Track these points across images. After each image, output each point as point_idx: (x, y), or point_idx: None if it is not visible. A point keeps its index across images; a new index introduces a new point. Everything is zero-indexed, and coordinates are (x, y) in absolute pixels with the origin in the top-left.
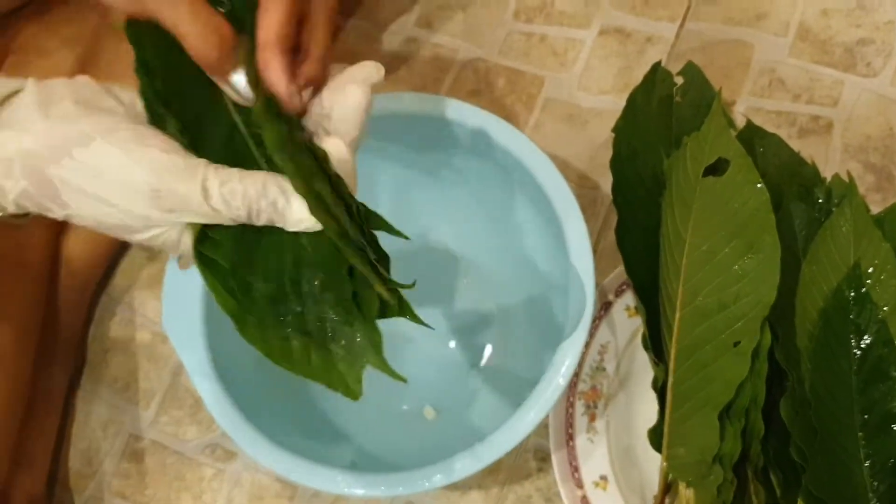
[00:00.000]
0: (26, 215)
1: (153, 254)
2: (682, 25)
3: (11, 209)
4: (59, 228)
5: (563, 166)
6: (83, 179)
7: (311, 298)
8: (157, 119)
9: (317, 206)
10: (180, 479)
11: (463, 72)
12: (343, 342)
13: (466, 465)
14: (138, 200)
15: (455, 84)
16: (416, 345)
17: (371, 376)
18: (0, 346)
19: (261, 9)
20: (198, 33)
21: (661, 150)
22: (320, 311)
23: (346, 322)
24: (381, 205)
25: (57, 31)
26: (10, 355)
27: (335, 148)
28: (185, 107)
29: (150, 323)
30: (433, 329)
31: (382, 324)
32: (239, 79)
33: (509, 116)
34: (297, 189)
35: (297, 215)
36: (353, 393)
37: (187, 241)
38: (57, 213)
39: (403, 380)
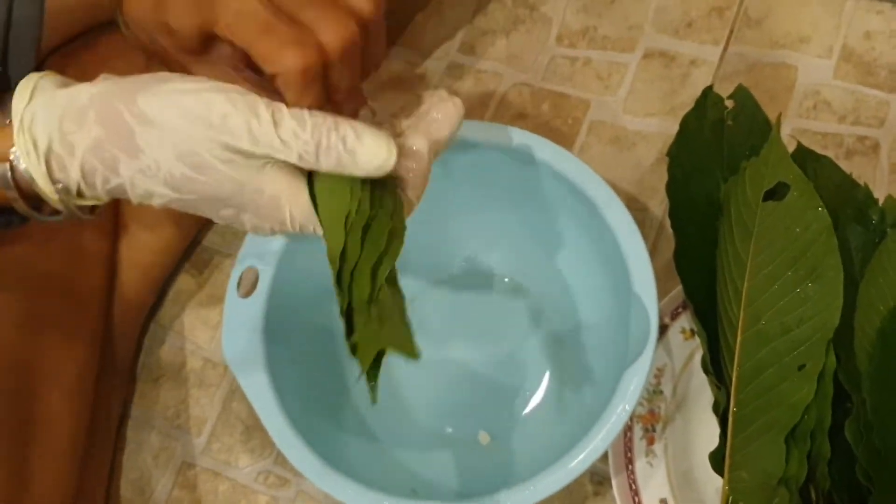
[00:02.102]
0: (92, 210)
1: (202, 280)
2: (725, 48)
3: (75, 177)
4: (113, 257)
5: (612, 189)
6: (159, 110)
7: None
8: None
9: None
10: None
11: (507, 96)
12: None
13: (532, 491)
14: (211, 133)
15: (500, 109)
16: (469, 370)
17: (428, 404)
18: (67, 383)
19: None
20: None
21: (717, 173)
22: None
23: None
24: (429, 231)
25: (108, 63)
26: (76, 392)
27: (420, 144)
28: None
29: (200, 350)
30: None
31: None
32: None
33: (556, 140)
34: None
35: (369, 154)
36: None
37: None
38: (127, 172)
39: (416, 356)
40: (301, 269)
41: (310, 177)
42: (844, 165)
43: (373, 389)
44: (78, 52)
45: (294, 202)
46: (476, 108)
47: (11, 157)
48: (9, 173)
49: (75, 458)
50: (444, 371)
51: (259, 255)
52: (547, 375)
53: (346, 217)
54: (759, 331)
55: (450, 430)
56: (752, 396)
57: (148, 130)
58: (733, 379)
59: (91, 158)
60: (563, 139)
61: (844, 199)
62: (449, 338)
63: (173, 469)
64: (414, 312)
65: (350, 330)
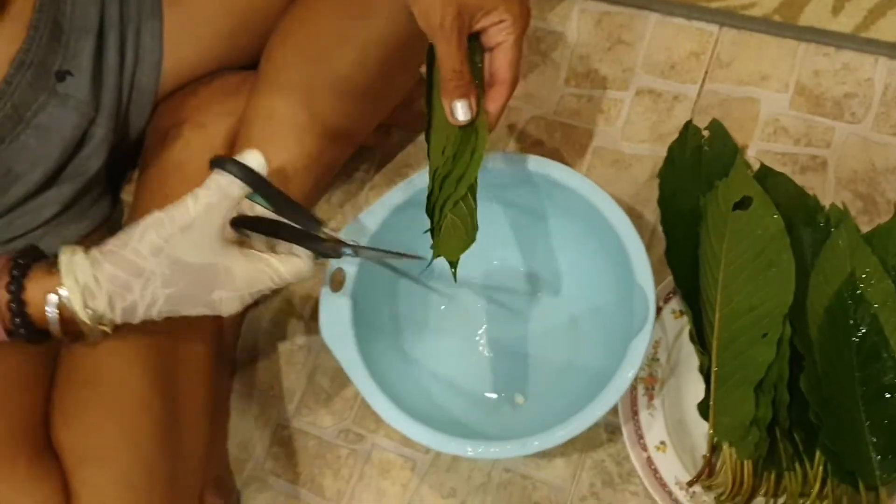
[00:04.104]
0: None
1: None
2: (702, 86)
3: (102, 302)
4: None
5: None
6: (143, 245)
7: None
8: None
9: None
10: (321, 458)
11: (526, 128)
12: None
13: (563, 433)
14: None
15: (520, 137)
16: (505, 346)
17: (474, 374)
18: (197, 362)
19: (495, 91)
20: (453, 64)
21: (697, 189)
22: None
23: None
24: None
25: (211, 108)
26: (204, 369)
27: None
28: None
29: (288, 335)
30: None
31: (480, 332)
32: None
33: (566, 163)
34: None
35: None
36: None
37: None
38: (137, 287)
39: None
40: (374, 271)
41: (428, 125)
42: (799, 179)
43: (453, 266)
44: (186, 97)
45: (244, 274)
46: (503, 136)
47: (60, 291)
48: (55, 299)
49: (208, 417)
50: (485, 347)
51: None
52: (567, 348)
53: (443, 149)
54: (732, 309)
55: (492, 394)
56: (728, 359)
57: (141, 255)
58: (714, 346)
59: (111, 286)
60: (573, 162)
61: (798, 206)
62: (488, 321)
63: (270, 430)
64: (460, 302)
65: (433, 224)
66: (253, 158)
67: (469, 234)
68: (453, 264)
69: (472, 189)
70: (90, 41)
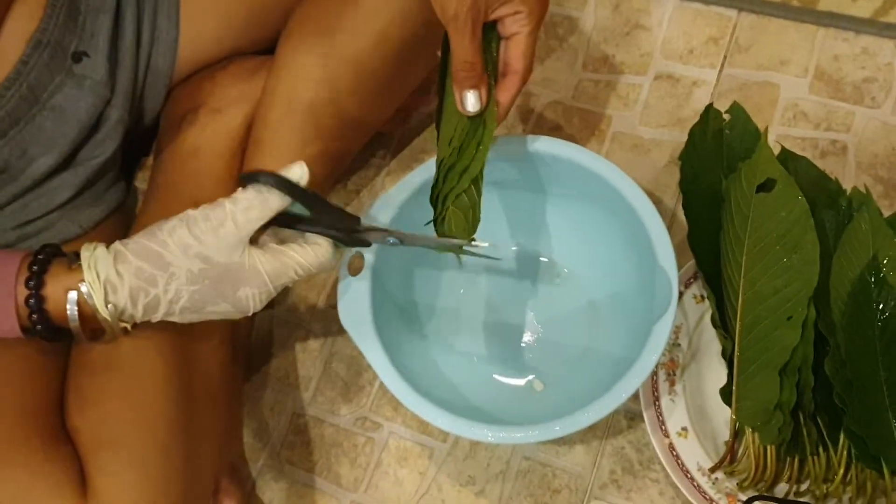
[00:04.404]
0: (125, 331)
1: None
2: (721, 71)
3: (124, 297)
4: None
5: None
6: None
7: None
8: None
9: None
10: (338, 446)
11: (544, 113)
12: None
13: (586, 417)
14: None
15: (538, 123)
16: (524, 332)
17: (494, 360)
18: (219, 349)
19: (507, 81)
20: (465, 55)
21: (719, 172)
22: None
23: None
24: (487, 226)
25: (227, 92)
26: (222, 355)
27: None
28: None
29: (303, 322)
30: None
31: (499, 319)
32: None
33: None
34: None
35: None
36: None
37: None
38: (161, 281)
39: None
40: (393, 256)
41: (438, 111)
42: (819, 164)
43: (458, 256)
44: (201, 82)
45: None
46: (518, 122)
47: (80, 287)
48: (75, 296)
49: (225, 401)
50: (504, 333)
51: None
52: (586, 333)
53: (450, 140)
54: (756, 292)
55: (511, 380)
56: (751, 343)
57: (169, 248)
58: (737, 330)
59: (135, 280)
60: (591, 147)
61: (819, 190)
62: (507, 307)
63: (286, 418)
64: (478, 287)
65: (436, 214)
66: (296, 171)
67: (471, 225)
68: (458, 256)
69: (477, 182)
70: (107, 21)
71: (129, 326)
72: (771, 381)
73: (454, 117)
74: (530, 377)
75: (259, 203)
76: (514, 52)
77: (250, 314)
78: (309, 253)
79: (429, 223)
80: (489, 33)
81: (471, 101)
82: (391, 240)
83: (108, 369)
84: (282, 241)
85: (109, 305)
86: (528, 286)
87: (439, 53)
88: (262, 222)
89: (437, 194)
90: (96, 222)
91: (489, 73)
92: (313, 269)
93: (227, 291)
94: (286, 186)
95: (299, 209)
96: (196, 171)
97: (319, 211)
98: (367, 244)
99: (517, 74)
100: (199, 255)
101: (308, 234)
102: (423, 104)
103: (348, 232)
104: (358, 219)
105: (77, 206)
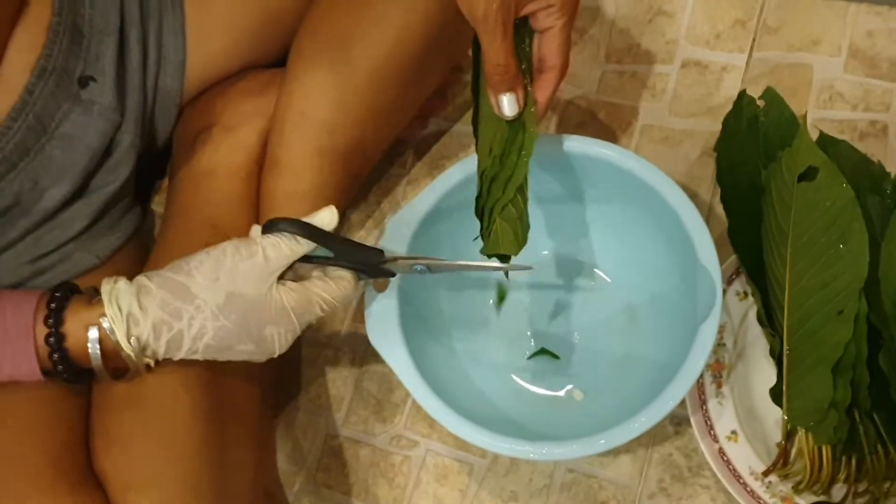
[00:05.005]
0: (147, 367)
1: None
2: (750, 55)
3: (147, 330)
4: None
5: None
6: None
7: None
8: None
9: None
10: (374, 466)
11: (568, 109)
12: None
13: (634, 428)
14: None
15: (562, 119)
16: (560, 340)
17: (531, 371)
18: (249, 380)
19: (544, 79)
20: (497, 58)
21: (757, 161)
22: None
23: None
24: None
25: (239, 109)
26: (253, 386)
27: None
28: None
29: (332, 341)
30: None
31: (534, 326)
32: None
33: (613, 143)
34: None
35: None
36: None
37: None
38: (186, 315)
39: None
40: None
41: (475, 117)
42: (859, 147)
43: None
44: (213, 99)
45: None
46: (544, 119)
47: (101, 322)
48: (96, 332)
49: (256, 433)
50: (539, 342)
51: None
52: (625, 339)
53: (490, 148)
54: (803, 287)
55: (548, 391)
56: (801, 340)
57: (195, 281)
58: (785, 327)
59: (159, 313)
60: (620, 142)
61: (862, 175)
62: (541, 315)
63: (320, 440)
64: (509, 296)
65: (482, 228)
66: (325, 216)
67: (520, 237)
68: (506, 272)
69: (522, 190)
70: (112, 44)
71: (152, 363)
72: (823, 379)
73: (491, 122)
74: (569, 387)
75: (287, 252)
76: (549, 48)
77: (275, 356)
78: (332, 287)
79: (476, 238)
80: (521, 29)
81: (507, 105)
82: (419, 267)
83: (132, 407)
84: (301, 278)
85: (132, 339)
86: (561, 292)
87: (470, 52)
88: (293, 259)
89: (483, 207)
90: (113, 251)
91: (524, 71)
92: (338, 303)
93: (253, 329)
94: (315, 235)
95: (322, 251)
96: (212, 192)
97: (342, 251)
98: (392, 275)
99: (554, 70)
100: (225, 290)
101: (329, 268)
102: (441, 108)
103: (373, 266)
104: (381, 252)
105: (93, 235)
